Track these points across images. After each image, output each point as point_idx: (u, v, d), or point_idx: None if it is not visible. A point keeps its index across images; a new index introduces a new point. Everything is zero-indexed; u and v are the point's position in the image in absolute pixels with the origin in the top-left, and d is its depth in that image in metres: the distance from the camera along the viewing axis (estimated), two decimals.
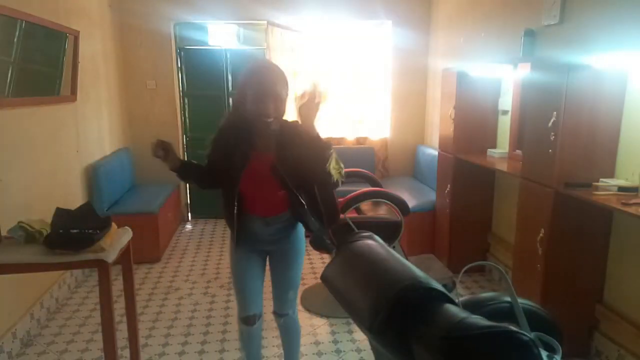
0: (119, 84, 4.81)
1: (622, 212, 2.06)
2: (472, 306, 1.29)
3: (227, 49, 5.27)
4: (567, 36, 2.76)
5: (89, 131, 3.97)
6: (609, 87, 2.37)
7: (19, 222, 2.12)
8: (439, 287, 0.90)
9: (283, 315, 2.22)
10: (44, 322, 3.07)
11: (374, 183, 3.82)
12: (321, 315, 3.18)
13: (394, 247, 3.24)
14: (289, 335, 2.29)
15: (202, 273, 3.92)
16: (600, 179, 2.40)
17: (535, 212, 2.61)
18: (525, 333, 0.81)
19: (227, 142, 1.99)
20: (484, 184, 3.76)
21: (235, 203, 1.98)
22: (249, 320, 2.16)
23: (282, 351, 2.36)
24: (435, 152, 4.28)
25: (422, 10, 5.07)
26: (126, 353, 2.60)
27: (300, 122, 1.89)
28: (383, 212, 3.59)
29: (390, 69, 5.18)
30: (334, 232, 3.11)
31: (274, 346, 2.83)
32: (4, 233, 2.18)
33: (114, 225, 2.20)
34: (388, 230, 3.25)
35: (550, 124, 2.42)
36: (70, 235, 2.00)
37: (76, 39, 3.51)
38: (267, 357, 2.71)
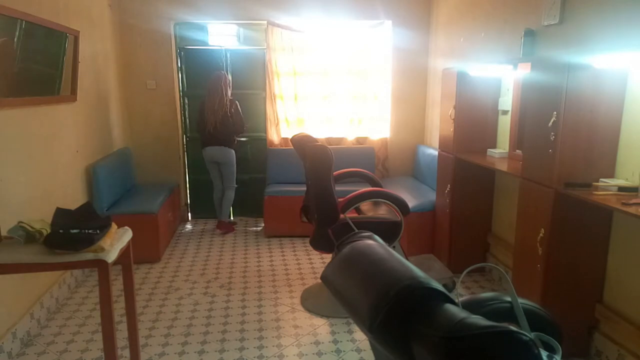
0: (119, 83, 4.81)
1: (622, 212, 2.06)
2: (472, 306, 1.29)
3: (227, 49, 5.27)
4: (567, 36, 2.76)
5: (89, 131, 3.98)
6: (609, 87, 2.37)
7: (19, 222, 2.12)
8: (439, 287, 0.90)
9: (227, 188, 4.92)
10: (44, 322, 3.08)
11: (374, 183, 3.82)
12: (321, 315, 3.18)
13: (394, 247, 3.24)
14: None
15: (202, 273, 3.92)
16: (600, 179, 2.40)
17: (535, 212, 2.62)
18: (525, 333, 0.80)
19: None
20: (484, 184, 3.77)
21: None
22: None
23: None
24: (435, 152, 4.28)
25: (422, 10, 5.07)
26: (126, 353, 2.60)
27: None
28: (383, 212, 3.59)
29: (390, 69, 5.18)
30: (334, 232, 3.12)
31: (274, 346, 2.83)
32: (4, 233, 2.18)
33: (114, 225, 2.20)
34: (388, 230, 3.25)
35: (550, 124, 2.42)
36: (70, 235, 2.00)
37: (76, 38, 3.52)
38: (267, 357, 2.72)
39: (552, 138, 2.42)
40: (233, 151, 4.79)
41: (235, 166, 4.85)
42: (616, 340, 2.50)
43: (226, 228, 4.98)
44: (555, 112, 2.39)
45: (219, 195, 4.96)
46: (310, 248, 3.87)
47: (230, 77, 5.23)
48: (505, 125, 3.62)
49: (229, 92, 4.69)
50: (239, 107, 4.74)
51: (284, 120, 5.21)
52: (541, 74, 2.56)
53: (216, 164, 4.84)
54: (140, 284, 3.70)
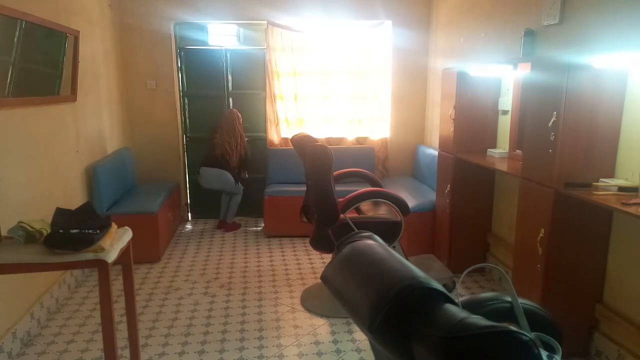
0: (119, 83, 4.82)
1: (622, 212, 2.06)
2: (472, 306, 1.29)
3: (227, 49, 5.27)
4: (567, 36, 2.76)
5: (89, 131, 3.98)
6: (609, 87, 2.38)
7: (19, 222, 2.12)
8: (439, 287, 0.90)
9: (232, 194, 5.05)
10: (44, 322, 3.08)
11: (374, 183, 3.83)
12: (321, 315, 3.18)
13: (394, 247, 3.24)
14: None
15: (202, 273, 3.92)
16: (600, 179, 2.40)
17: (535, 212, 2.62)
18: (525, 333, 0.80)
19: None
20: (484, 184, 3.77)
21: None
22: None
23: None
24: (435, 152, 4.28)
25: (422, 10, 5.07)
26: (126, 353, 2.60)
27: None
28: (383, 212, 3.59)
29: (390, 69, 5.18)
30: (334, 232, 3.12)
31: (274, 346, 2.83)
32: (4, 233, 2.18)
33: (114, 225, 2.20)
34: (388, 230, 3.25)
35: (550, 124, 2.43)
36: (70, 235, 2.00)
37: (76, 38, 3.52)
38: (267, 357, 2.72)
39: (552, 138, 2.42)
40: (229, 174, 4.86)
41: (233, 180, 4.90)
42: (616, 340, 2.50)
43: (231, 228, 5.06)
44: (555, 112, 2.39)
45: (227, 199, 5.08)
46: (310, 248, 3.87)
47: (230, 77, 5.25)
48: (505, 125, 3.62)
49: (242, 130, 4.93)
50: (248, 150, 5.01)
51: (284, 120, 5.21)
52: (541, 74, 2.56)
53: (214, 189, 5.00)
54: (140, 284, 3.70)
